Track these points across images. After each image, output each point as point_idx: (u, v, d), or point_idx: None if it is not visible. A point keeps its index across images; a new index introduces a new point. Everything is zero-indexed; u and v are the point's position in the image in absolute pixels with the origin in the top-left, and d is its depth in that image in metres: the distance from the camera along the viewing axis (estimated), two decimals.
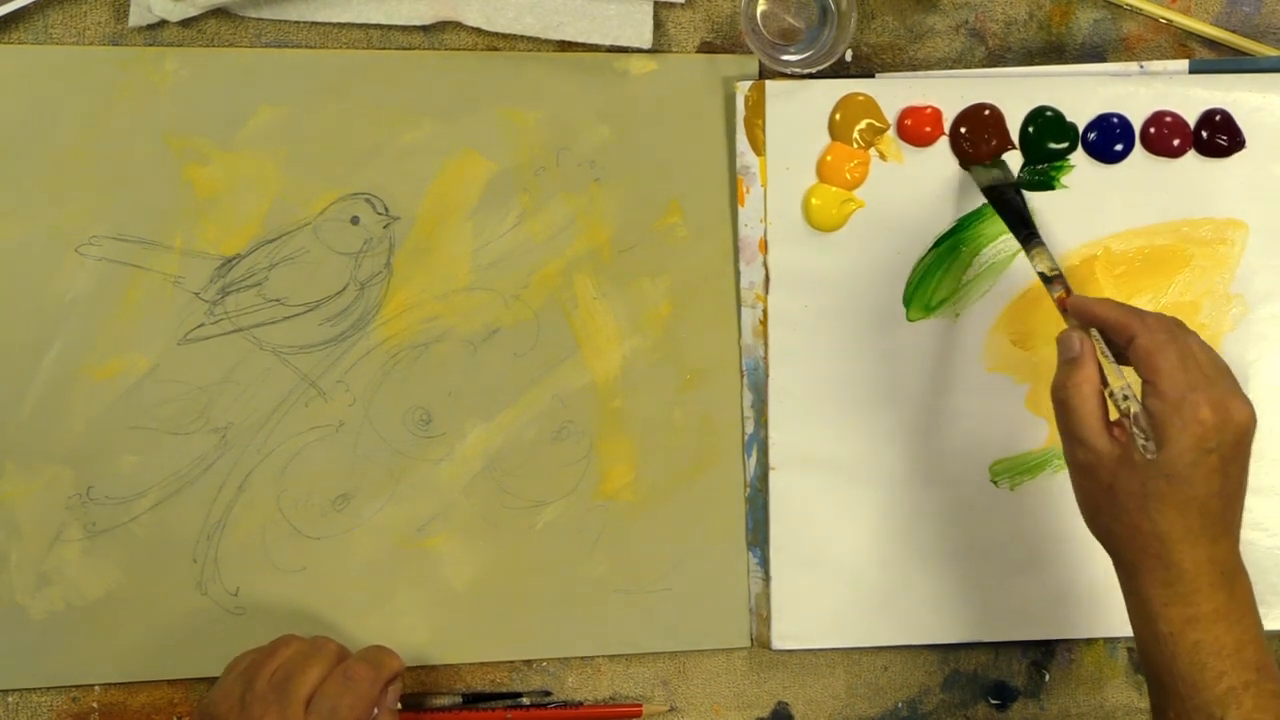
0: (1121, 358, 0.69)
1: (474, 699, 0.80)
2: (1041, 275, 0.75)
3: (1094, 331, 0.70)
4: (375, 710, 0.71)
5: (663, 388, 0.82)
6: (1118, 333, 0.69)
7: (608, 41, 0.81)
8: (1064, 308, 0.73)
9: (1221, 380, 0.67)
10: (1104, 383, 0.68)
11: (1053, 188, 0.82)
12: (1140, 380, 0.67)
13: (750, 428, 0.82)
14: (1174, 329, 0.68)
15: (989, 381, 0.82)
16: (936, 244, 0.81)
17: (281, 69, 0.80)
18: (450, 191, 0.81)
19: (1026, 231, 0.77)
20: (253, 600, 0.79)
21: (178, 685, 0.79)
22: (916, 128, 0.81)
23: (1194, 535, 0.65)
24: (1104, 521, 0.68)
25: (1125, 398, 0.67)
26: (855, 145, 0.81)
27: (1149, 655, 0.67)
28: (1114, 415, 0.68)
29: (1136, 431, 0.66)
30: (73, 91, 0.78)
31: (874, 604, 0.82)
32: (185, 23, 0.79)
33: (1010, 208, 0.79)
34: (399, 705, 0.74)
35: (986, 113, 0.81)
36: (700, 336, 0.82)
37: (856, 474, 0.82)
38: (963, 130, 0.81)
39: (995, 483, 0.82)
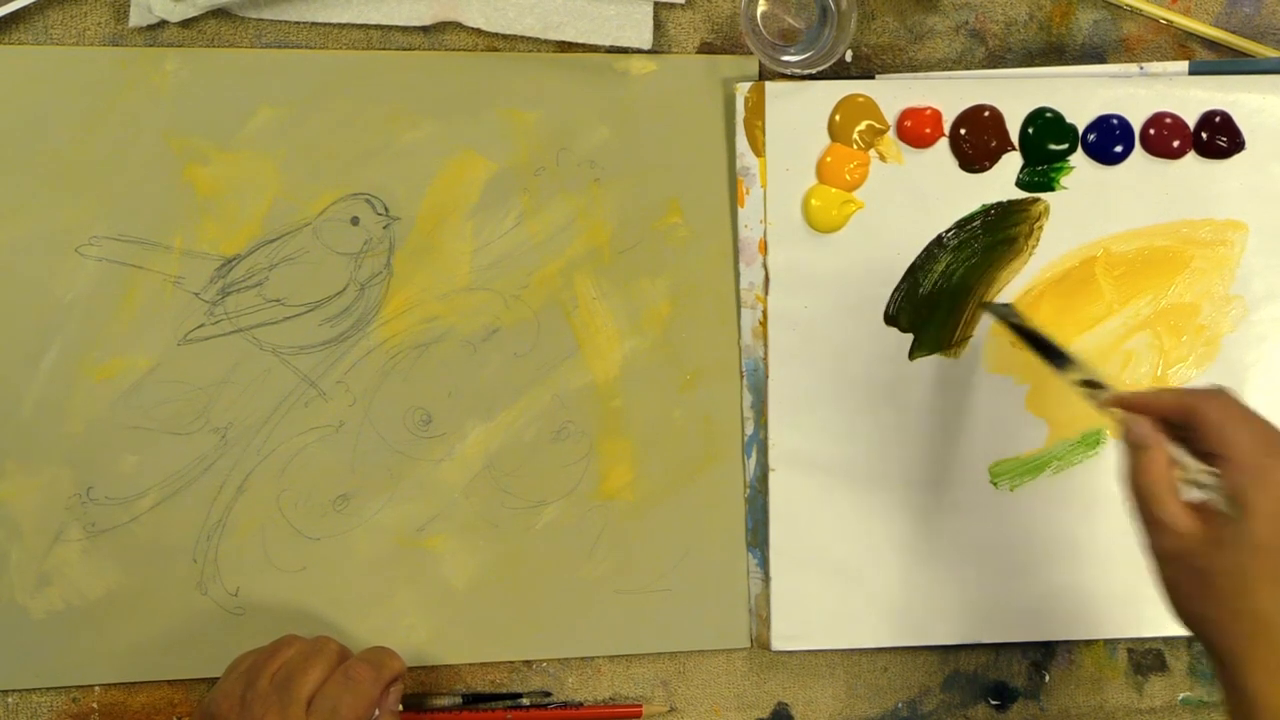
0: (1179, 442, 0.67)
1: (474, 699, 0.80)
2: (1085, 383, 0.72)
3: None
4: (376, 711, 0.71)
5: (663, 388, 0.82)
6: (1180, 414, 0.66)
7: (608, 42, 0.81)
8: (1119, 405, 0.69)
9: None
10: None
11: (1052, 189, 0.82)
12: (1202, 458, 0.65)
13: (750, 428, 0.82)
14: (1232, 397, 0.66)
15: (989, 382, 0.82)
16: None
17: (281, 69, 0.80)
18: (450, 191, 0.81)
19: (1061, 358, 0.75)
20: (253, 600, 0.79)
21: (178, 685, 0.79)
22: (916, 129, 0.81)
23: None
24: (1198, 609, 0.64)
25: (1204, 477, 0.64)
26: (855, 146, 0.81)
27: None
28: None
29: (1228, 510, 0.63)
30: (73, 91, 0.78)
31: (874, 605, 0.82)
32: (185, 23, 0.79)
33: (1033, 336, 0.77)
34: (400, 706, 0.74)
35: (986, 114, 0.81)
36: (700, 337, 0.82)
37: (856, 475, 0.82)
38: (962, 131, 0.81)
39: (995, 484, 0.82)
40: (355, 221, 0.80)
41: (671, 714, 0.82)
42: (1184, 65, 0.82)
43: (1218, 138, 0.82)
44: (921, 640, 0.82)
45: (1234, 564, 0.62)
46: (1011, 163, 0.82)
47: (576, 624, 0.81)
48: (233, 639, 0.77)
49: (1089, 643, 0.84)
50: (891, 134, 0.81)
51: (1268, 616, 0.62)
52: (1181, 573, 0.64)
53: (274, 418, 0.79)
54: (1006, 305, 0.81)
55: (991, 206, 0.82)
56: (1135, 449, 0.66)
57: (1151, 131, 0.82)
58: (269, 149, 0.79)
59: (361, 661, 0.72)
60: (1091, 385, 0.72)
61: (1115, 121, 0.81)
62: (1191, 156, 0.82)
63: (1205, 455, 0.65)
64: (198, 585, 0.79)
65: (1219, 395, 0.66)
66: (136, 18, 0.79)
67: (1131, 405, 0.68)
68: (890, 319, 0.82)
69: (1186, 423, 0.65)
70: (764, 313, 0.81)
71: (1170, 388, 0.69)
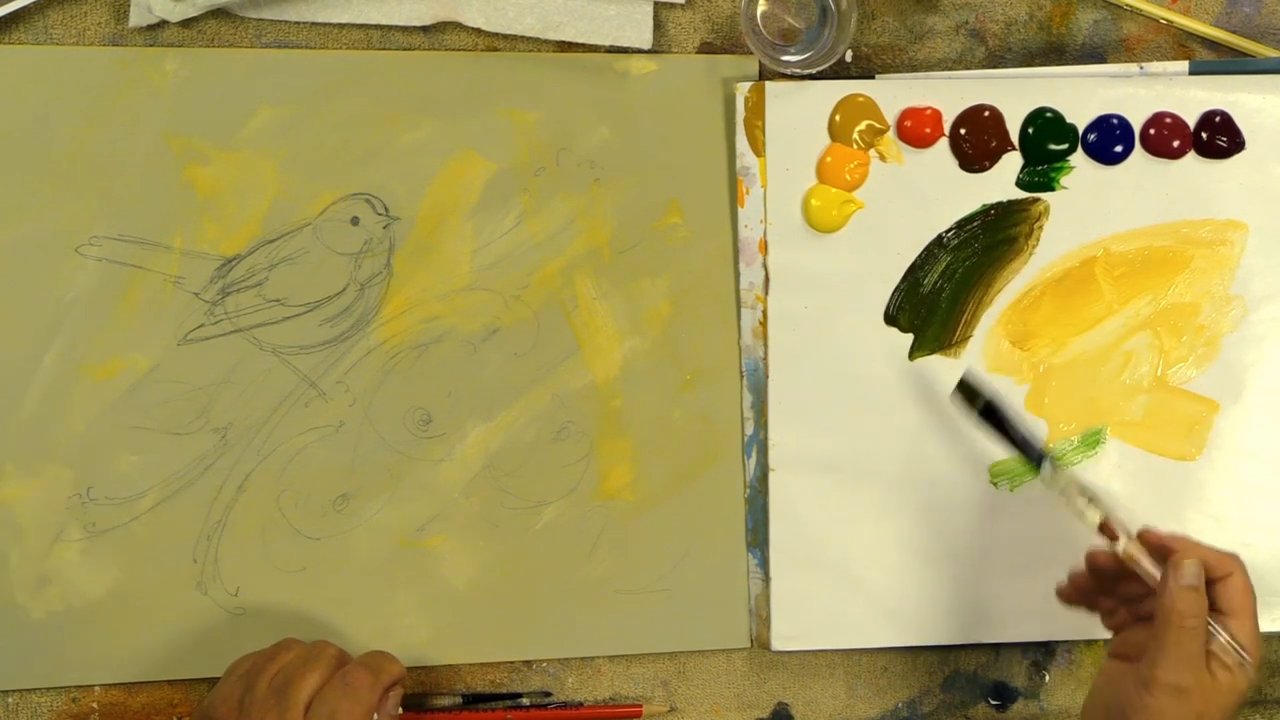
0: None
1: (474, 699, 0.80)
2: (1101, 528, 0.73)
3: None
4: (375, 716, 0.71)
5: (663, 388, 0.82)
6: (1215, 570, 0.70)
7: (608, 42, 0.81)
8: (1154, 544, 0.72)
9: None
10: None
11: (1052, 189, 0.82)
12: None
13: (750, 428, 0.82)
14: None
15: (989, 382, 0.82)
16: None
17: (281, 69, 0.80)
18: (450, 192, 0.81)
19: (1039, 455, 0.76)
20: (253, 600, 0.79)
21: (178, 686, 0.79)
22: (916, 129, 0.81)
23: None
24: None
25: (1224, 636, 0.69)
26: (855, 146, 0.81)
27: None
28: None
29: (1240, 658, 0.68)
30: (73, 91, 0.78)
31: (874, 605, 0.82)
32: (185, 23, 0.79)
33: (1010, 429, 0.77)
34: (400, 710, 0.74)
35: (986, 114, 0.81)
36: (700, 337, 0.82)
37: (856, 475, 0.82)
38: (962, 131, 0.81)
39: (995, 484, 0.82)
40: (355, 221, 0.80)
41: (671, 714, 0.82)
42: (1184, 65, 0.82)
43: (1218, 138, 0.82)
44: (921, 640, 0.82)
45: (1228, 714, 0.68)
46: (1011, 163, 0.82)
47: (576, 624, 0.81)
48: (233, 639, 0.77)
49: (1089, 643, 0.84)
50: (891, 134, 0.81)
51: None
52: (1183, 710, 0.68)
53: (274, 418, 0.79)
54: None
55: (991, 206, 0.82)
56: (1190, 587, 0.69)
57: (1151, 131, 0.81)
58: (269, 149, 0.79)
59: (360, 666, 0.71)
60: (1091, 500, 0.74)
61: (1115, 121, 0.81)
62: (1191, 156, 0.82)
63: (1215, 615, 0.69)
64: (198, 585, 0.79)
65: (1241, 562, 0.70)
66: (136, 18, 0.79)
67: (1181, 547, 0.71)
68: (890, 319, 0.82)
69: (1214, 576, 0.70)
70: (764, 313, 0.81)
71: (1193, 542, 0.71)
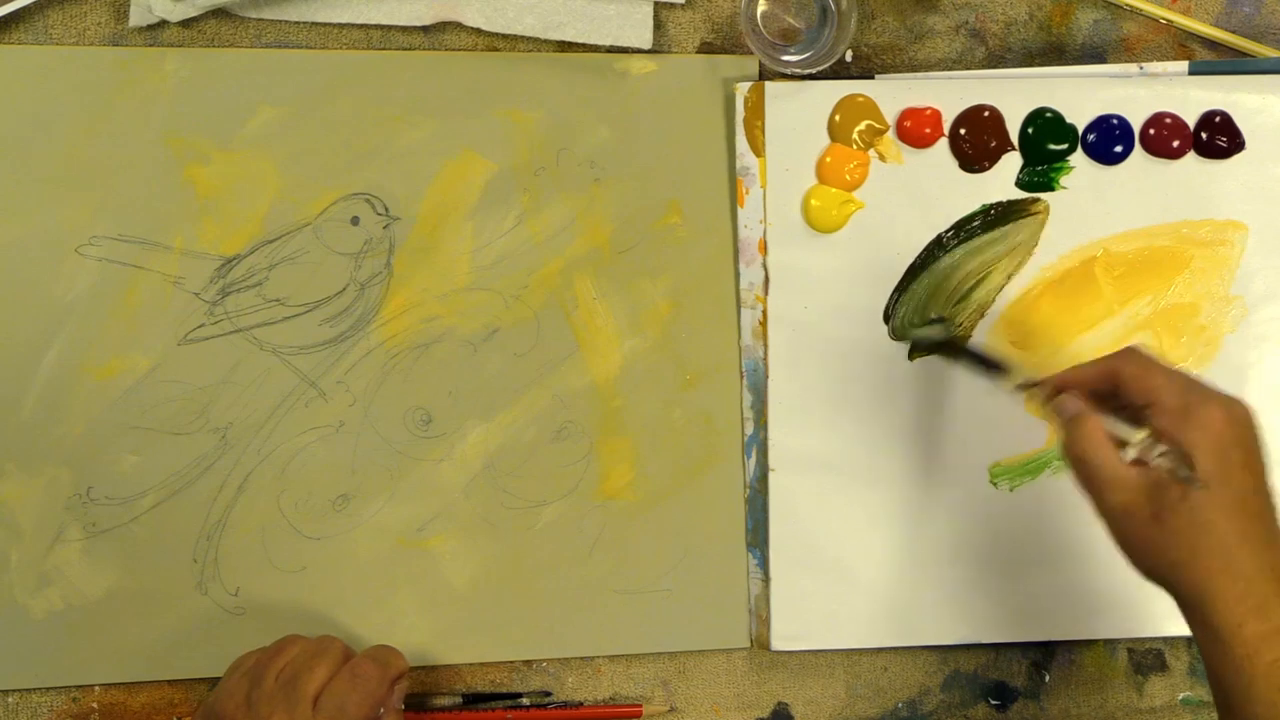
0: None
1: (474, 699, 0.81)
2: (1021, 387, 0.74)
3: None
4: (381, 710, 0.71)
5: (663, 388, 0.82)
6: (1103, 378, 0.68)
7: (608, 42, 0.81)
8: (1050, 391, 0.71)
9: (1204, 384, 0.67)
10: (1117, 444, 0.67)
11: (1052, 189, 0.82)
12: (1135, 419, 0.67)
13: (750, 429, 0.82)
14: (1143, 352, 0.69)
15: (988, 383, 0.82)
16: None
17: (281, 69, 0.80)
18: (450, 192, 0.81)
19: (996, 368, 0.76)
20: (253, 600, 0.79)
21: (178, 685, 0.79)
22: (916, 129, 0.81)
23: (1250, 539, 0.64)
24: (1158, 556, 0.66)
25: (1149, 442, 0.66)
26: (855, 146, 0.81)
27: (1226, 688, 0.64)
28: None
29: (1171, 465, 0.65)
30: (73, 91, 0.78)
31: (874, 605, 0.82)
32: (185, 23, 0.79)
33: (966, 356, 0.78)
34: (403, 705, 0.74)
35: (986, 114, 0.81)
36: (700, 337, 0.82)
37: (856, 475, 0.82)
38: (962, 132, 0.81)
39: (994, 484, 0.82)
40: (355, 221, 0.80)
41: (671, 714, 0.82)
42: (1184, 65, 0.82)
43: (1218, 138, 0.82)
44: (921, 640, 0.82)
45: (1184, 504, 0.64)
46: (1011, 163, 0.82)
47: (576, 624, 0.81)
48: (233, 639, 0.77)
49: (1089, 643, 0.84)
50: (891, 134, 0.81)
51: (1227, 547, 0.64)
52: (1136, 525, 0.66)
53: (274, 418, 0.79)
54: (937, 323, 0.81)
55: (991, 206, 0.82)
56: (1068, 423, 0.68)
57: (1151, 131, 0.82)
58: (269, 149, 0.79)
59: (367, 659, 0.72)
60: (1031, 386, 0.73)
61: (1115, 121, 0.82)
62: (1191, 156, 0.82)
63: (1135, 416, 0.67)
64: (198, 585, 0.79)
65: (1131, 351, 0.69)
66: (136, 18, 0.79)
67: (1060, 385, 0.70)
68: (890, 319, 0.82)
69: (1111, 386, 0.68)
70: (764, 313, 0.81)
71: (1090, 361, 0.70)
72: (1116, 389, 0.68)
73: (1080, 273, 0.82)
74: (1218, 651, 0.64)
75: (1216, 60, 0.84)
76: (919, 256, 0.81)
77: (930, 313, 0.81)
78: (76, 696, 0.79)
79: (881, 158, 0.81)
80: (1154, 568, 0.66)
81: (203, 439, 0.79)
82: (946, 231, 0.82)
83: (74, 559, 0.78)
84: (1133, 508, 0.66)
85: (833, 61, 0.80)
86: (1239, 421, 0.66)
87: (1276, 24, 0.84)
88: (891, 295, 0.81)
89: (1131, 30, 0.84)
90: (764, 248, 0.81)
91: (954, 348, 0.80)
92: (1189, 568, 0.64)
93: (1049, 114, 0.81)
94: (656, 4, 0.81)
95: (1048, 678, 0.84)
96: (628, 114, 0.81)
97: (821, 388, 0.81)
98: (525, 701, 0.81)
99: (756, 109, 0.81)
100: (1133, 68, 0.82)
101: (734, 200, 0.82)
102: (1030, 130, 0.81)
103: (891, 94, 0.81)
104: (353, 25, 0.81)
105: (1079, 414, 0.68)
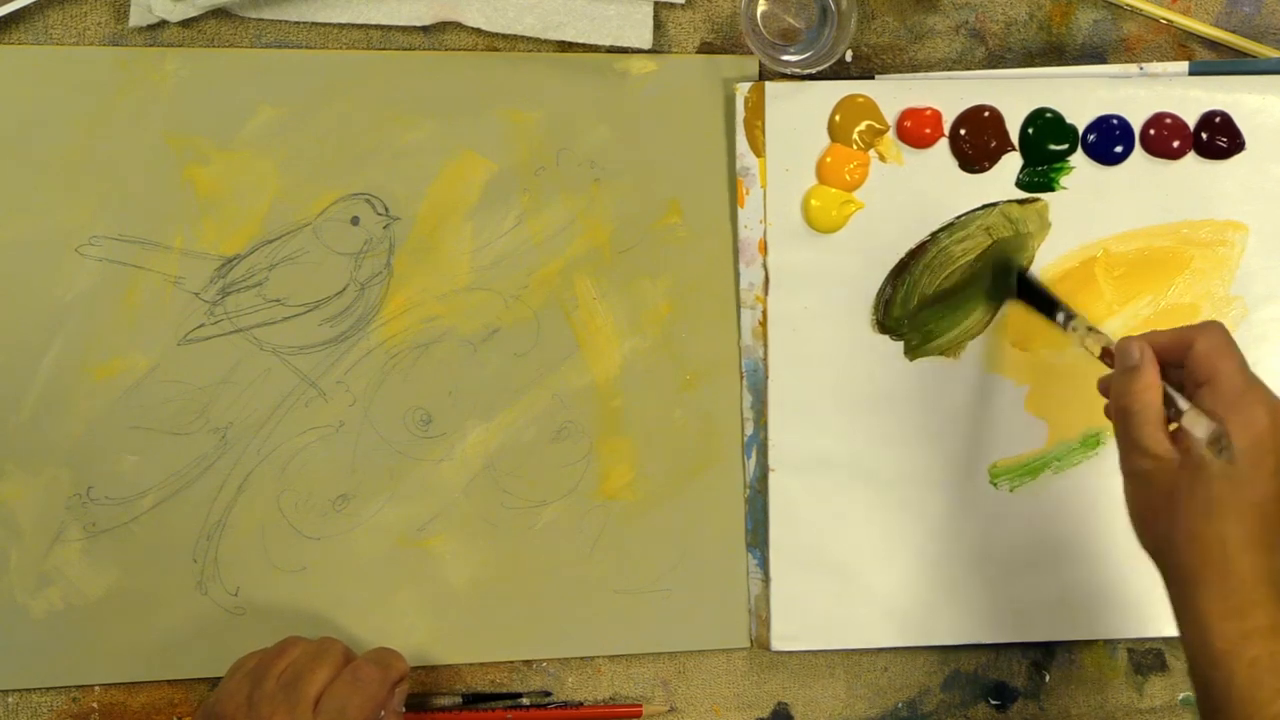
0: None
1: (474, 699, 0.81)
2: (1089, 330, 0.74)
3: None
4: (382, 712, 0.71)
5: (663, 388, 0.82)
6: (1175, 344, 0.68)
7: (608, 42, 0.81)
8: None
9: (1266, 386, 0.67)
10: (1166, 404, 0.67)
11: (1052, 189, 0.82)
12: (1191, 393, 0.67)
13: (750, 429, 0.82)
14: (1224, 329, 0.68)
15: (989, 382, 0.82)
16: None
17: (281, 69, 0.80)
18: (450, 191, 0.81)
19: (1065, 313, 0.77)
20: (253, 600, 0.79)
21: (178, 685, 0.79)
22: (916, 129, 0.81)
23: (1254, 543, 0.64)
24: (1162, 530, 0.66)
25: (1197, 415, 0.65)
26: (855, 147, 0.81)
27: (1203, 675, 0.64)
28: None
29: (1211, 443, 0.64)
30: (73, 91, 0.78)
31: (874, 605, 0.82)
32: (185, 23, 0.79)
33: (1040, 293, 0.79)
34: (404, 708, 0.74)
35: (986, 114, 0.81)
36: (700, 337, 0.82)
37: (856, 475, 0.82)
38: (962, 132, 0.81)
39: (995, 484, 0.82)
40: (355, 221, 0.80)
41: (671, 714, 0.82)
42: (1184, 65, 0.82)
43: (1218, 138, 0.82)
44: (921, 640, 0.82)
45: (1204, 491, 0.64)
46: (1011, 163, 0.82)
47: (576, 624, 0.81)
48: (233, 639, 0.77)
49: (1089, 643, 0.84)
50: (891, 134, 0.81)
51: (1224, 543, 0.64)
52: (1152, 493, 0.66)
53: (274, 418, 0.79)
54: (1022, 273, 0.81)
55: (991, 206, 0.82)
56: (1126, 370, 0.68)
57: (1151, 132, 0.81)
58: (269, 149, 0.79)
59: (368, 661, 0.72)
60: (1095, 332, 0.74)
61: (1115, 122, 0.81)
62: (1191, 157, 0.82)
63: (1194, 390, 0.66)
64: (198, 585, 0.79)
65: (1214, 326, 0.68)
66: (136, 18, 0.79)
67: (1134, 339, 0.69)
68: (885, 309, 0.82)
69: (1181, 355, 0.67)
70: (764, 313, 0.81)
71: (1157, 331, 0.70)
72: (1183, 361, 0.67)
73: (1080, 273, 0.82)
74: (1196, 637, 0.64)
75: (1216, 60, 0.84)
76: (909, 252, 0.81)
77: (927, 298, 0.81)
78: (76, 696, 0.79)
79: (881, 158, 0.81)
80: (1154, 539, 0.67)
81: (203, 439, 0.79)
82: (940, 229, 0.82)
83: (74, 559, 0.78)
84: (1156, 476, 0.66)
85: (833, 61, 0.80)
86: None
87: (1276, 24, 0.84)
88: (884, 282, 0.81)
89: (1131, 30, 0.84)
90: (764, 248, 0.81)
91: (1026, 284, 0.80)
92: (1183, 550, 0.65)
93: (1049, 114, 0.81)
94: (656, 4, 0.81)
95: (1048, 678, 0.84)
96: (628, 114, 0.81)
97: (822, 388, 0.81)
98: (525, 701, 0.81)
99: (756, 109, 0.81)
100: (1133, 68, 0.82)
101: (734, 200, 0.82)
102: (1030, 130, 0.81)
103: (891, 94, 0.81)
104: (353, 25, 0.80)
105: (1142, 365, 0.67)
